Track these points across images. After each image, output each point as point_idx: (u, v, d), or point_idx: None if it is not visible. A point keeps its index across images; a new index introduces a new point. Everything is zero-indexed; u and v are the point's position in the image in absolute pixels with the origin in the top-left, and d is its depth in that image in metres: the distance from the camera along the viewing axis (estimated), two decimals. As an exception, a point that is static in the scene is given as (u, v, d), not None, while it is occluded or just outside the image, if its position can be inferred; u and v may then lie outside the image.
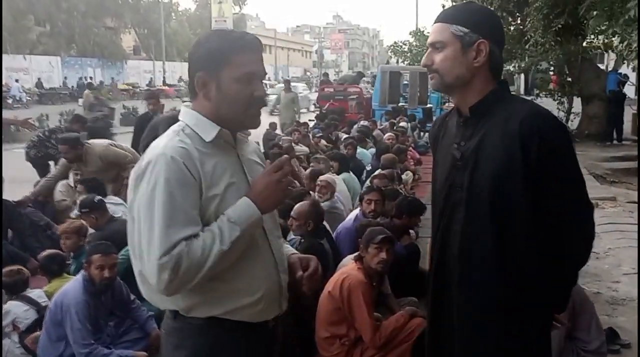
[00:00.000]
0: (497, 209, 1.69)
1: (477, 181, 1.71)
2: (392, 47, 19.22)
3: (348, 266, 3.57)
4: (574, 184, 1.71)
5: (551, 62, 14.93)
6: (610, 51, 14.78)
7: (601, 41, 13.10)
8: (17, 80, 29.69)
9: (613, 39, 8.81)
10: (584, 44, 13.14)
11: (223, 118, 1.67)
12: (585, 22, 9.06)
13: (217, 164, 1.64)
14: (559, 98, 14.63)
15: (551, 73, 16.13)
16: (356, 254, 3.63)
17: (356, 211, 4.68)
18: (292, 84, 15.88)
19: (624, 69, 15.13)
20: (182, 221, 1.53)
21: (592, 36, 9.33)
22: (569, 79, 14.26)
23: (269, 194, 1.63)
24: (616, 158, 10.96)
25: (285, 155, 1.70)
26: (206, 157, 1.63)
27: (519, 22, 13.78)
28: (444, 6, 19.42)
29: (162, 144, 1.61)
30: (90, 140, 6.06)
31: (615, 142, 13.14)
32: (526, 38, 10.62)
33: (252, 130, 1.80)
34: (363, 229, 3.84)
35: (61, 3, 37.81)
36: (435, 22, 1.80)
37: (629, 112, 13.83)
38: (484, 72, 1.75)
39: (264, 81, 1.76)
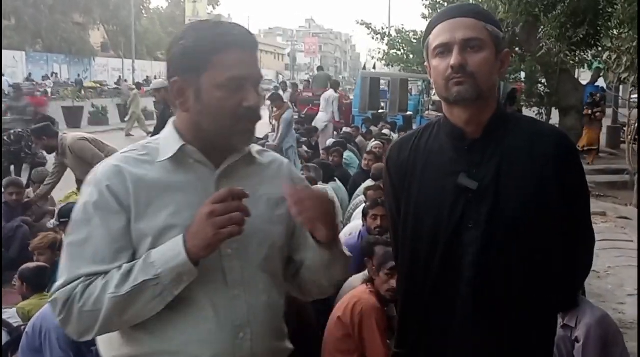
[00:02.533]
0: (525, 247, 1.46)
1: (500, 215, 1.45)
2: (372, 31, 17.90)
3: (358, 289, 3.30)
4: (590, 215, 1.62)
5: (525, 72, 15.00)
6: (584, 66, 14.93)
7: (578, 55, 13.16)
8: (2, 75, 28.91)
9: (605, 53, 8.74)
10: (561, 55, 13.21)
11: (204, 134, 1.36)
12: (603, 33, 8.94)
13: (167, 191, 1.33)
14: (538, 110, 14.69)
15: (518, 83, 16.15)
16: (364, 273, 3.39)
17: (357, 225, 4.42)
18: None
19: (601, 82, 15.31)
20: (88, 256, 1.28)
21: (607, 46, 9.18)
22: (548, 91, 14.32)
23: (196, 231, 1.25)
24: (597, 171, 10.99)
25: (238, 188, 1.29)
26: (155, 180, 1.33)
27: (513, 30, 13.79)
28: (424, 15, 19.22)
29: (107, 160, 1.40)
30: (70, 132, 5.88)
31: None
32: (540, 45, 10.49)
33: None
34: (370, 247, 3.58)
35: (28, -4, 36.71)
36: (459, 17, 1.47)
37: (604, 125, 13.95)
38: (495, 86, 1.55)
39: (260, 86, 1.40)
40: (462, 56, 1.43)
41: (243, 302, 1.36)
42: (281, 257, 1.47)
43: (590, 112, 12.41)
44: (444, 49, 1.46)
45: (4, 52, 34.19)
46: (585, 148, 12.07)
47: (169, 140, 1.38)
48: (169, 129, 1.41)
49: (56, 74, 35.34)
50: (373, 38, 17.08)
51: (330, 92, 13.08)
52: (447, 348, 1.53)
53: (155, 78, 27.74)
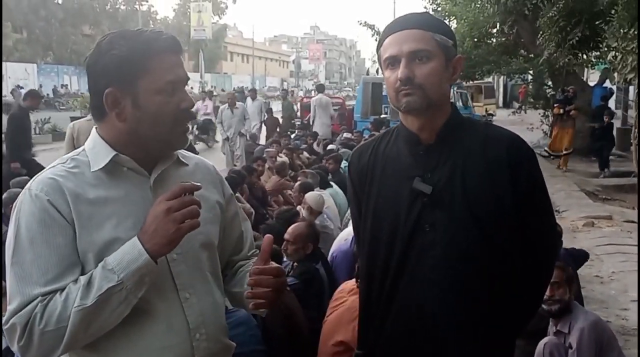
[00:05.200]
0: (485, 248, 1.48)
1: (457, 218, 1.48)
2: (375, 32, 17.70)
3: (355, 302, 3.22)
4: (551, 216, 1.62)
5: (531, 74, 14.87)
6: (590, 67, 14.80)
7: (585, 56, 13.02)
8: (22, 87, 29.21)
9: (610, 53, 8.65)
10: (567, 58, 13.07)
11: (143, 140, 1.35)
12: (602, 33, 8.81)
13: (106, 202, 1.31)
14: (544, 112, 14.57)
15: (523, 85, 15.94)
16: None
17: (351, 231, 4.35)
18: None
19: (607, 84, 15.16)
20: (39, 275, 1.23)
21: (607, 46, 8.93)
22: (554, 92, 14.19)
23: (155, 229, 1.24)
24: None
25: (190, 183, 1.31)
26: (92, 193, 1.31)
27: (509, 34, 13.72)
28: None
29: (38, 176, 1.34)
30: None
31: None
32: (543, 46, 10.34)
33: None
34: (362, 254, 3.53)
35: (39, 10, 37.18)
36: (406, 29, 1.51)
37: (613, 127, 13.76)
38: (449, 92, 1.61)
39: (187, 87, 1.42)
40: (409, 68, 1.48)
41: (194, 304, 1.39)
42: (217, 256, 1.50)
43: (561, 111, 11.29)
44: (393, 61, 1.51)
45: (16, 65, 34.88)
46: (563, 152, 11.24)
47: (98, 151, 1.36)
48: (96, 139, 1.38)
49: (66, 85, 35.71)
50: (376, 40, 16.90)
51: (321, 97, 12.92)
52: (407, 349, 1.55)
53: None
